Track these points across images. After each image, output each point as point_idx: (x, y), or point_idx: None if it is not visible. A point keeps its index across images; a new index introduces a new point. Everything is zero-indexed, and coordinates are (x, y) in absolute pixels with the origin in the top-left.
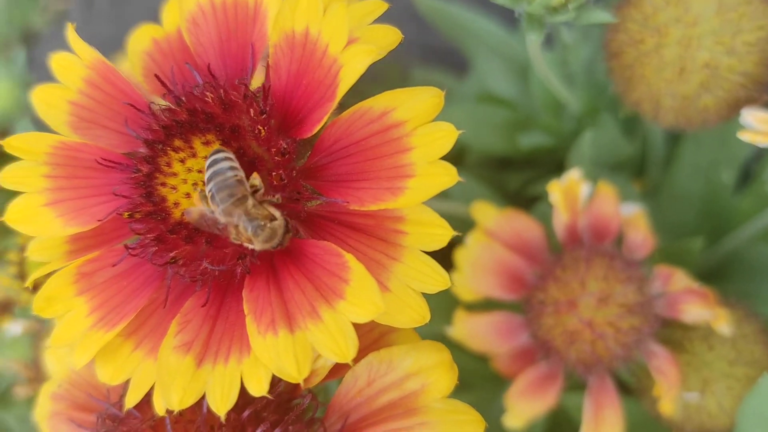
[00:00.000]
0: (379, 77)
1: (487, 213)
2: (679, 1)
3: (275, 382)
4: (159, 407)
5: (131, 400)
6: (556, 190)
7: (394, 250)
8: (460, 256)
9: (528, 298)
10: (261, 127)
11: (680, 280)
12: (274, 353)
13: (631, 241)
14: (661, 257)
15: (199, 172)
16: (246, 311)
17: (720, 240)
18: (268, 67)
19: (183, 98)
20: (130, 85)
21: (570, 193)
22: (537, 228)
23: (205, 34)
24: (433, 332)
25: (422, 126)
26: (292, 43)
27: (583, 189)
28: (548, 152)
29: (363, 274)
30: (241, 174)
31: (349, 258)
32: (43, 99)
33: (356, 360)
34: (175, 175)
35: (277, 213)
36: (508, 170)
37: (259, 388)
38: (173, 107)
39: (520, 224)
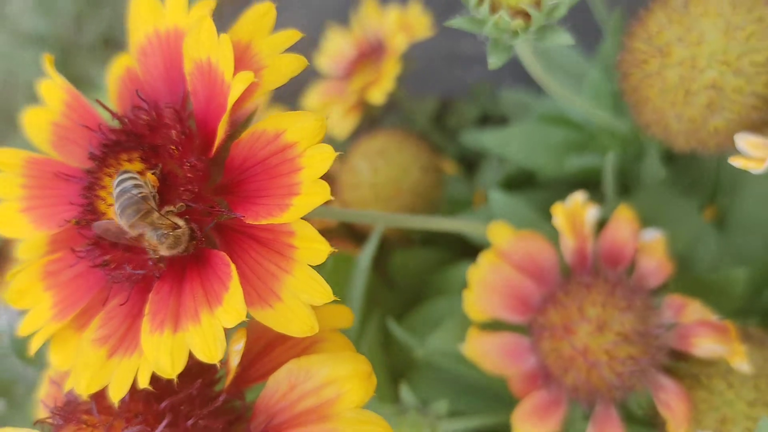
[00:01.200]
0: (472, 93)
1: (502, 233)
2: (683, 20)
3: (195, 377)
4: (78, 390)
5: (68, 385)
6: (559, 213)
7: (286, 263)
8: (472, 275)
9: (532, 321)
10: (174, 147)
11: (694, 311)
12: (155, 350)
13: (642, 268)
14: (697, 289)
15: None
16: (146, 312)
17: None
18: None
19: (126, 120)
20: (93, 110)
21: (575, 216)
22: (550, 250)
23: (152, 63)
24: (454, 351)
25: (311, 147)
26: (200, 71)
27: (590, 213)
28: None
29: (236, 283)
30: (146, 190)
31: (233, 268)
32: (30, 120)
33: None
34: (105, 188)
35: (181, 222)
36: (570, 190)
37: (143, 381)
38: (115, 129)
39: (534, 246)
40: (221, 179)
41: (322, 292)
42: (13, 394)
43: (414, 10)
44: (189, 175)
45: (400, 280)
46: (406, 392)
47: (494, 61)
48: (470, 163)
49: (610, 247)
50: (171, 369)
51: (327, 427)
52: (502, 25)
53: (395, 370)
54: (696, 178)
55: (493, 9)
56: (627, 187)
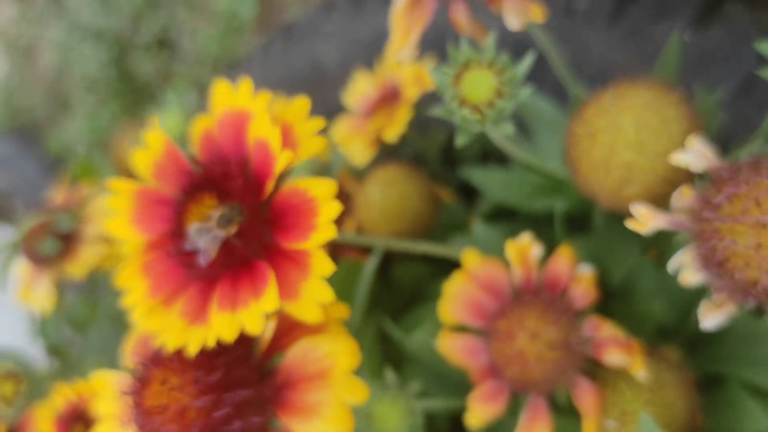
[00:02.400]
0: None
1: (471, 259)
2: (608, 114)
3: (240, 345)
4: (166, 346)
5: (158, 342)
6: (511, 248)
7: (305, 273)
8: (446, 288)
9: (487, 326)
10: (239, 192)
11: (607, 329)
12: (219, 323)
13: (572, 294)
14: (624, 316)
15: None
16: (215, 298)
17: None
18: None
19: (206, 169)
20: (183, 157)
21: (523, 252)
22: (506, 274)
23: (225, 131)
24: (431, 346)
25: (326, 201)
26: (258, 145)
27: (534, 250)
28: (573, 215)
29: (273, 283)
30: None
31: (271, 273)
32: (139, 159)
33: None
34: (190, 213)
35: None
36: (543, 224)
37: (211, 343)
38: (198, 173)
39: (494, 271)
40: (267, 215)
41: (327, 295)
42: (67, 356)
43: (426, 66)
44: (247, 212)
45: (400, 287)
46: (389, 373)
47: (461, 141)
48: (470, 191)
49: (550, 276)
50: (229, 336)
51: (325, 384)
52: (467, 118)
53: (392, 362)
54: None
55: (461, 104)
56: (587, 222)
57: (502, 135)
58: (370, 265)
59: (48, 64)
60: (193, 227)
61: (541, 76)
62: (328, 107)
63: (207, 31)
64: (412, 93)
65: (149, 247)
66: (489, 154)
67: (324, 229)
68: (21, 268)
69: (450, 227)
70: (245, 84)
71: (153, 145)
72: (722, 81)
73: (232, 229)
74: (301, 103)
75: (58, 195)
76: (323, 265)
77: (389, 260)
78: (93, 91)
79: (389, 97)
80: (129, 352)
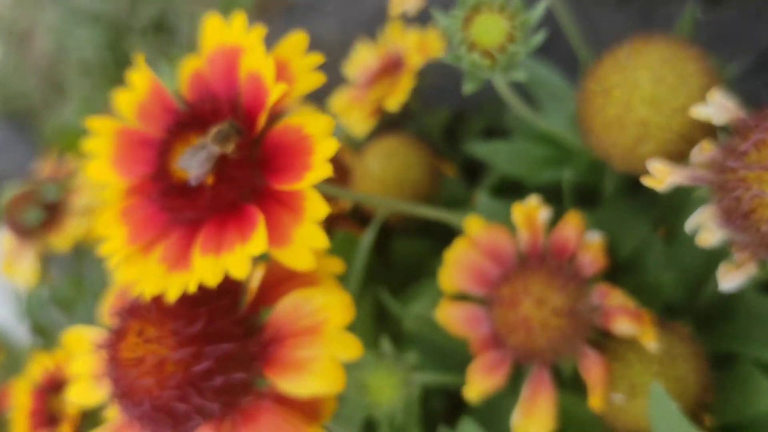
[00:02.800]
0: (481, 109)
1: (474, 224)
2: (624, 70)
3: (224, 294)
4: (144, 293)
5: (135, 291)
6: (517, 211)
7: (298, 217)
8: (447, 256)
9: (490, 294)
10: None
11: (616, 297)
12: (202, 267)
13: (580, 260)
14: (634, 289)
15: None
16: (199, 241)
17: None
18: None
19: (195, 106)
20: (170, 97)
21: (530, 215)
22: (510, 239)
23: (216, 68)
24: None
25: (322, 139)
26: (251, 78)
27: (542, 213)
28: (582, 185)
29: (262, 226)
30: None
31: (260, 216)
32: (121, 98)
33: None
34: (175, 154)
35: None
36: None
37: (192, 288)
38: (186, 112)
39: (497, 236)
40: (258, 155)
41: (320, 240)
42: (52, 337)
43: (432, 34)
44: (237, 149)
45: (399, 262)
46: (385, 342)
47: (468, 88)
48: (474, 169)
49: (558, 242)
50: (213, 281)
51: (316, 339)
52: (476, 63)
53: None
54: (652, 198)
55: (471, 48)
56: (596, 197)
57: (504, 90)
58: (367, 237)
59: (43, 49)
60: (187, 149)
61: (550, 49)
62: (329, 86)
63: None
64: (415, 61)
65: (131, 191)
66: (493, 132)
67: (319, 168)
68: (4, 239)
69: (452, 202)
70: (239, 18)
71: (138, 85)
72: (734, 59)
73: (229, 147)
74: (298, 37)
75: (45, 167)
76: (318, 208)
77: (388, 234)
78: (88, 75)
79: (391, 67)
80: (107, 308)
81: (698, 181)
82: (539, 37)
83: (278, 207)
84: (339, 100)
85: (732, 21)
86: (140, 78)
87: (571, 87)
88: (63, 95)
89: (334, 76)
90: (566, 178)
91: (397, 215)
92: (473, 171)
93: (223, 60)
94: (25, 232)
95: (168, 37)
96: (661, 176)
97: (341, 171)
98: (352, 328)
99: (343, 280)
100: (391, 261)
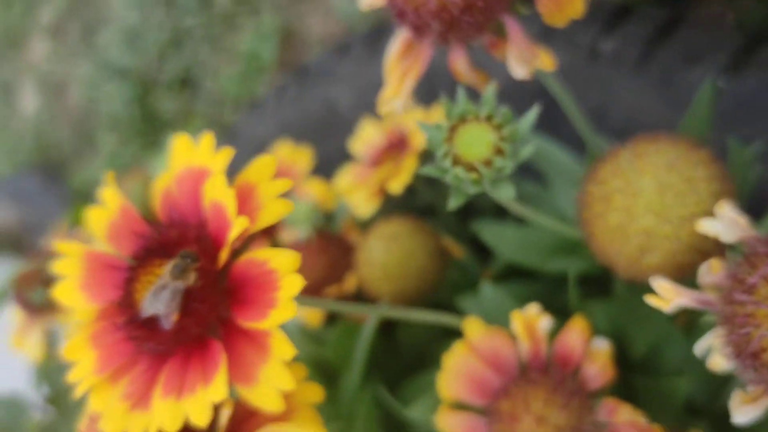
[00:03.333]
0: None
1: (473, 328)
2: (626, 174)
3: None
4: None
5: (101, 425)
6: (517, 320)
7: (264, 355)
8: (446, 361)
9: (490, 405)
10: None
11: (625, 413)
12: (161, 412)
13: (585, 372)
14: (648, 392)
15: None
16: (161, 380)
17: None
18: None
19: (161, 233)
20: (139, 217)
21: (530, 325)
22: (511, 346)
23: (184, 189)
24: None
25: (287, 275)
26: (214, 208)
27: (542, 323)
28: (593, 276)
29: (223, 370)
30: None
31: (223, 357)
32: (93, 215)
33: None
34: (140, 283)
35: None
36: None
37: None
38: (154, 237)
39: (499, 342)
40: (225, 285)
41: (287, 381)
42: (65, 403)
43: (436, 113)
44: (202, 281)
45: (404, 348)
46: None
47: (452, 204)
48: (485, 245)
49: (561, 351)
50: (171, 428)
51: None
52: (460, 177)
53: (394, 427)
54: None
55: (455, 162)
56: (609, 284)
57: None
58: (368, 328)
59: (77, 101)
60: (150, 290)
61: (558, 123)
62: (342, 150)
63: (228, 71)
64: (419, 142)
65: (99, 315)
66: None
67: (284, 307)
68: (14, 314)
69: (460, 286)
70: (206, 139)
71: (109, 204)
72: (759, 132)
73: (191, 278)
74: (266, 161)
75: (55, 240)
76: (284, 348)
77: (392, 320)
78: (116, 130)
79: (396, 146)
80: (83, 428)
81: (706, 306)
82: (530, 149)
83: (244, 342)
84: (344, 177)
85: (755, 91)
86: (110, 197)
87: (582, 165)
88: (94, 148)
89: (348, 143)
90: (572, 272)
91: (402, 296)
92: (485, 245)
93: (190, 182)
94: (32, 309)
95: (192, 91)
96: (667, 296)
97: (346, 251)
98: (355, 422)
99: (344, 372)
100: (397, 345)
